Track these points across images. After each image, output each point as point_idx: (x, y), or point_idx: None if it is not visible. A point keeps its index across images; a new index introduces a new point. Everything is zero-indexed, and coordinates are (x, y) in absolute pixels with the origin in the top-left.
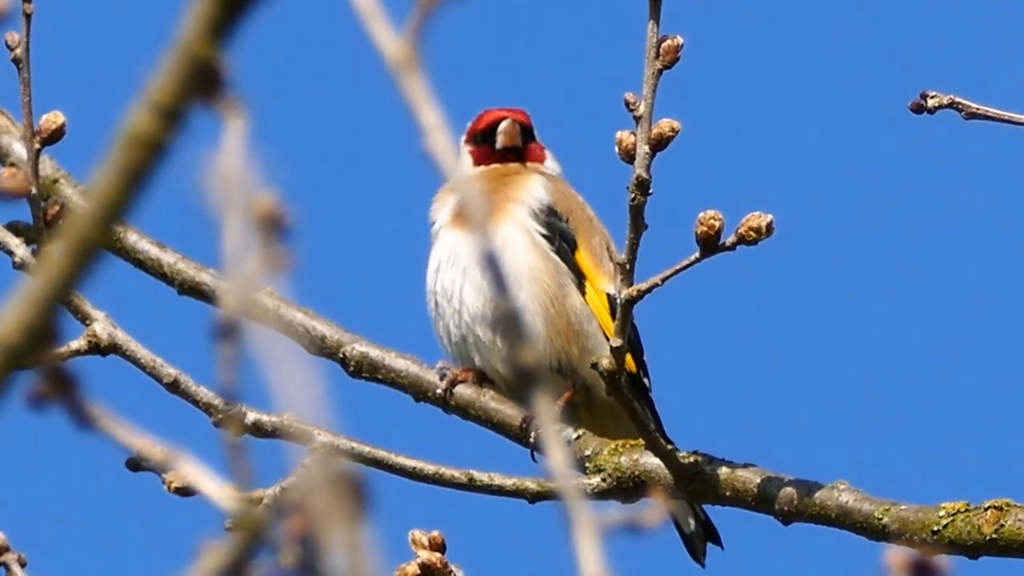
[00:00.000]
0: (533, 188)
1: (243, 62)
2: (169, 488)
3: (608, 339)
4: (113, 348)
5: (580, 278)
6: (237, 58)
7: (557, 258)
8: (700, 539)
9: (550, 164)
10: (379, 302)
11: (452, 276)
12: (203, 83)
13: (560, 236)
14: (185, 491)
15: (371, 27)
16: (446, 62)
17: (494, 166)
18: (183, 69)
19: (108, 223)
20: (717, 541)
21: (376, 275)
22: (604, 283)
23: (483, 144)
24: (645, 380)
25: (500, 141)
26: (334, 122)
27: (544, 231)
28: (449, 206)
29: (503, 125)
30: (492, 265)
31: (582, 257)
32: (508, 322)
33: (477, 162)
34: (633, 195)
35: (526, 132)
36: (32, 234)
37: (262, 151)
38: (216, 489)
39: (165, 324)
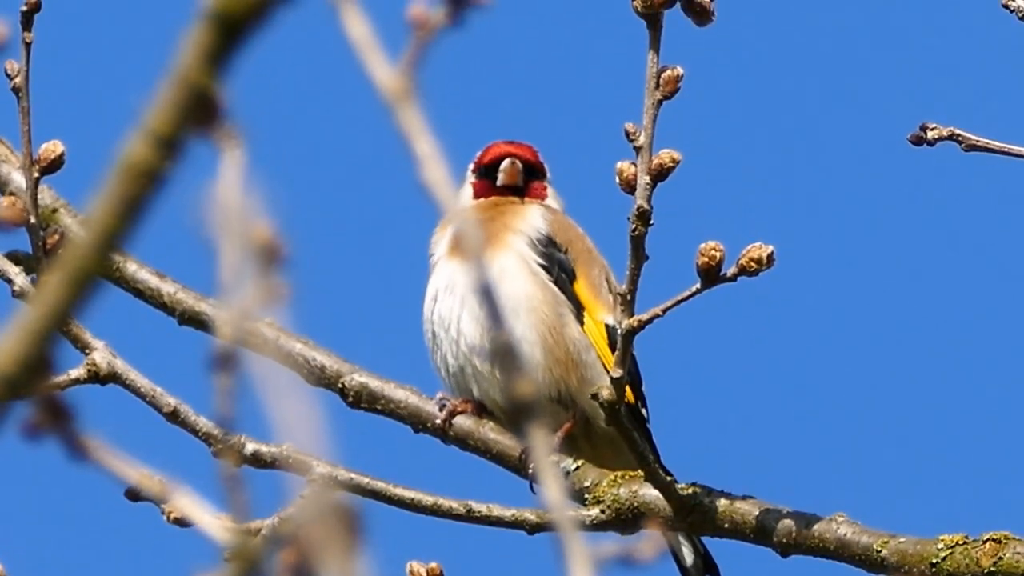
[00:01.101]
0: (531, 218)
1: (241, 92)
2: (168, 518)
3: (607, 369)
4: (113, 377)
5: (579, 308)
6: (235, 88)
7: (555, 288)
8: (699, 571)
9: (550, 202)
10: (378, 332)
11: (450, 305)
12: (201, 113)
13: (559, 266)
14: (184, 522)
15: (367, 59)
16: (442, 93)
17: (493, 198)
18: (181, 99)
19: (106, 252)
20: (716, 574)
21: (375, 305)
22: (602, 313)
23: (485, 178)
24: (644, 411)
25: (501, 179)
26: (331, 152)
27: (542, 261)
28: (447, 237)
29: (504, 164)
30: (488, 296)
31: (580, 287)
32: (505, 353)
33: (477, 194)
34: (634, 226)
35: (531, 170)
36: (31, 263)
37: (260, 181)
38: (213, 520)
39: (165, 354)
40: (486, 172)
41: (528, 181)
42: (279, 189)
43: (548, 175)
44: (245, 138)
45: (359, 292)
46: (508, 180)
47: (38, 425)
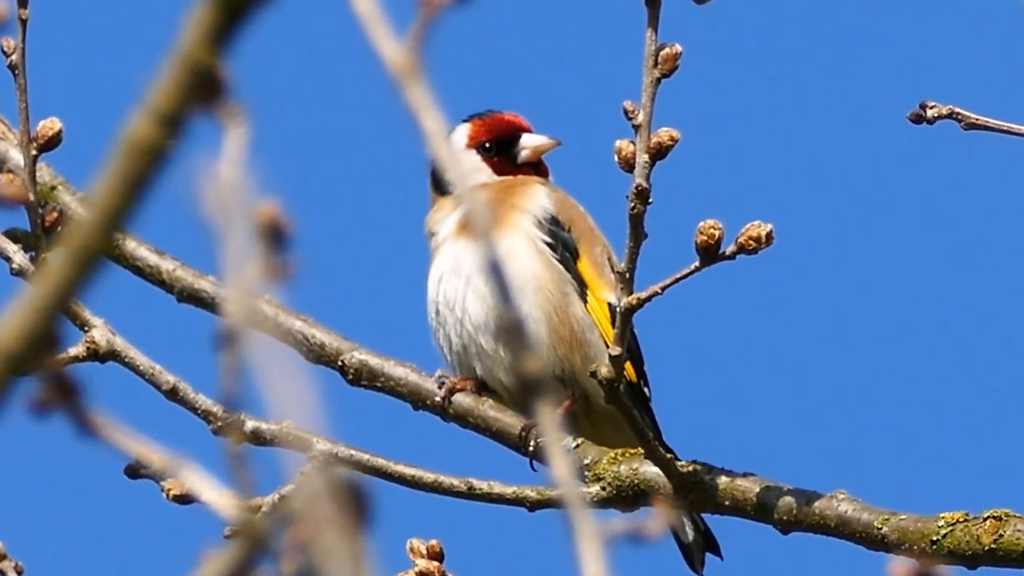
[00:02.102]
0: (537, 197)
1: (244, 69)
2: (168, 496)
3: (608, 347)
4: (112, 355)
5: (582, 287)
6: (238, 65)
7: (560, 267)
8: (699, 549)
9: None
10: (378, 310)
11: (455, 285)
12: (204, 90)
13: (563, 245)
14: (184, 499)
15: (373, 35)
16: (447, 70)
17: (510, 176)
18: (184, 76)
19: (109, 230)
20: (716, 551)
21: (375, 283)
22: (605, 292)
23: (501, 154)
24: (645, 389)
25: (527, 156)
26: (335, 129)
27: (548, 239)
28: (454, 216)
29: (536, 141)
30: (497, 275)
31: (584, 266)
32: (513, 332)
33: (498, 172)
34: (633, 204)
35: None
36: (30, 241)
37: (262, 158)
38: (215, 497)
39: (164, 331)
40: (501, 148)
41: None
42: (282, 167)
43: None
44: (248, 115)
45: (360, 270)
46: (534, 156)
47: (46, 401)
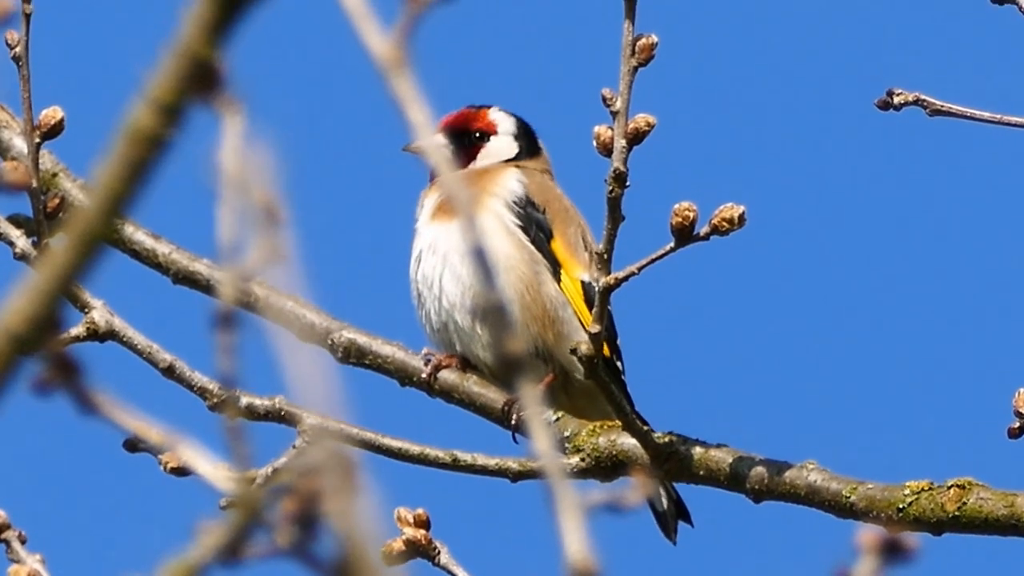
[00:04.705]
0: (506, 182)
1: (240, 60)
2: (165, 468)
3: (583, 325)
4: (111, 335)
5: (555, 266)
6: (234, 56)
7: (532, 247)
8: (672, 517)
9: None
10: (367, 291)
11: (432, 264)
12: (202, 80)
13: (536, 225)
14: (181, 471)
15: (361, 28)
16: (434, 62)
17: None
18: (183, 67)
19: (111, 216)
20: (688, 519)
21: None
22: (579, 271)
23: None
24: (619, 364)
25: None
26: (325, 118)
27: (518, 221)
28: (431, 201)
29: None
30: (479, 257)
31: (557, 246)
32: (494, 313)
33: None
34: (611, 187)
35: (458, 136)
36: (33, 226)
37: (257, 146)
38: (211, 469)
39: (160, 312)
40: (459, 141)
41: (463, 148)
42: (276, 154)
43: (490, 135)
44: (244, 105)
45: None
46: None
47: (48, 380)
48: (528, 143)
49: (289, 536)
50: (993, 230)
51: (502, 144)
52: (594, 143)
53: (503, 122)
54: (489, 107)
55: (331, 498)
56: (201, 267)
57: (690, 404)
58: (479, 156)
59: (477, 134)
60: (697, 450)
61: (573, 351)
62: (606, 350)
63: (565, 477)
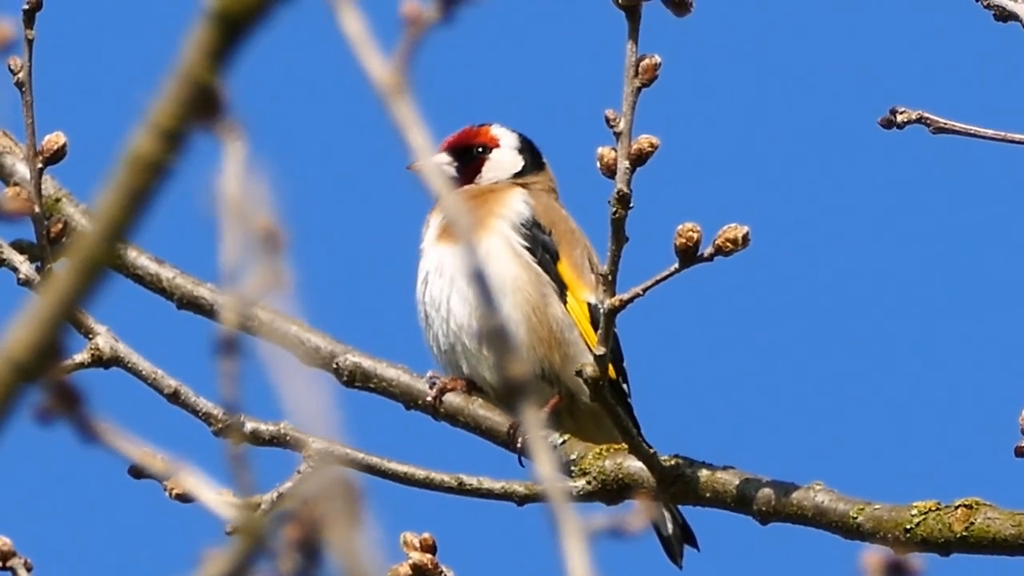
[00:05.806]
0: (513, 203)
1: (241, 87)
2: (170, 494)
3: (589, 347)
4: (115, 361)
5: (562, 288)
6: (236, 83)
7: (539, 268)
8: (678, 541)
9: (498, 172)
10: (371, 315)
11: (440, 286)
12: (204, 107)
13: (542, 247)
14: (185, 497)
15: (362, 54)
16: (434, 87)
17: (475, 185)
18: (185, 94)
19: (113, 241)
20: (694, 543)
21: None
22: (585, 293)
23: (462, 165)
24: (625, 386)
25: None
26: (327, 143)
27: (525, 243)
28: (436, 223)
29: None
30: (480, 280)
31: (564, 268)
32: (497, 336)
33: (464, 182)
34: (614, 209)
35: (460, 153)
36: (36, 251)
37: (259, 171)
38: (215, 496)
39: (164, 337)
40: (462, 159)
41: (467, 164)
42: (277, 179)
43: (493, 148)
44: (245, 131)
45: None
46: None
47: (50, 410)
48: (532, 158)
49: (292, 563)
50: (998, 248)
51: (506, 157)
52: (597, 164)
53: (505, 136)
54: (490, 124)
55: (333, 526)
56: (205, 292)
57: (696, 426)
58: (484, 169)
59: (480, 148)
60: (703, 472)
61: (579, 373)
62: (612, 372)
63: (569, 501)
